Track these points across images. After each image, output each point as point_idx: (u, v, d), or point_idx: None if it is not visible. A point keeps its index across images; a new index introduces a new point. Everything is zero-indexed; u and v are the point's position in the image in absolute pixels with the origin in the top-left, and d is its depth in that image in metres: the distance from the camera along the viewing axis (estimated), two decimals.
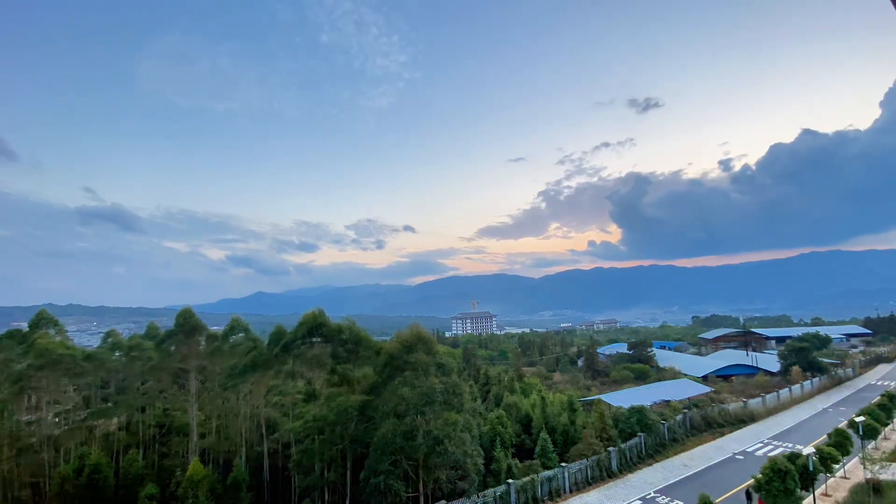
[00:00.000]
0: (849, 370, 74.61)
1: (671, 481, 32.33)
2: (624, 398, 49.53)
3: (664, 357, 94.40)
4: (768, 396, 53.34)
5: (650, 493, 30.33)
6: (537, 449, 34.74)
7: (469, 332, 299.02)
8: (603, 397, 49.55)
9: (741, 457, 36.73)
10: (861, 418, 31.12)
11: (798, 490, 22.47)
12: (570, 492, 31.19)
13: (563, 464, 32.29)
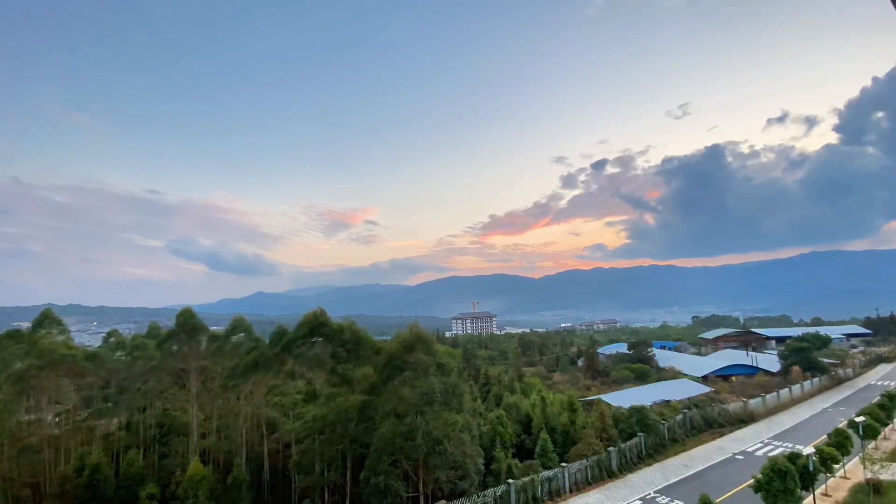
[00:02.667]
0: (849, 370, 74.68)
1: (671, 481, 32.37)
2: (624, 398, 49.52)
3: (664, 357, 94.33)
4: (768, 396, 53.38)
5: (650, 494, 30.36)
6: (537, 449, 34.71)
7: (469, 332, 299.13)
8: (603, 397, 49.59)
9: (741, 457, 36.74)
10: (861, 418, 31.09)
11: (798, 490, 22.45)
12: (570, 492, 31.22)
13: (563, 464, 32.31)
